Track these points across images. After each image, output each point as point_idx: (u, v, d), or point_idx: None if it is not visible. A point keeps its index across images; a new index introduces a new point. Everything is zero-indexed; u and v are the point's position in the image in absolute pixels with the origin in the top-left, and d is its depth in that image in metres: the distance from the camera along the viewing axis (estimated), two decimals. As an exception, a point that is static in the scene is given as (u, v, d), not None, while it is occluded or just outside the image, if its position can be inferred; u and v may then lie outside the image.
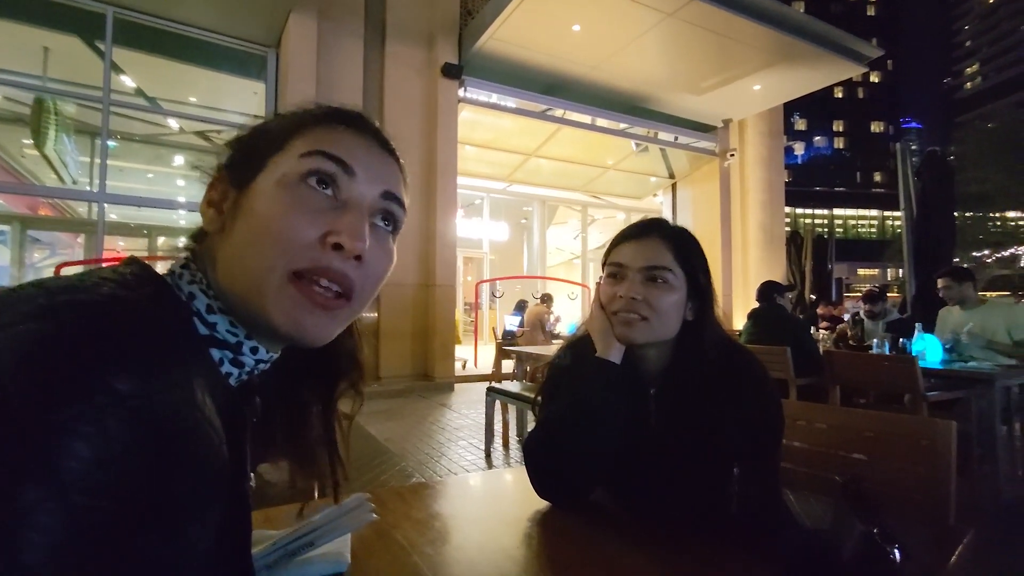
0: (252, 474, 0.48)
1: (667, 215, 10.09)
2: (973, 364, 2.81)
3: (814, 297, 8.83)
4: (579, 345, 0.92)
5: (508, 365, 5.45)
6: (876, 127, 65.10)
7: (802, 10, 9.57)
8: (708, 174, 9.33)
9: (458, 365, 6.83)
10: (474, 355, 7.86)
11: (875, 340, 3.37)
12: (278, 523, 0.68)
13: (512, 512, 0.80)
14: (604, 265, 0.91)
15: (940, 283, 3.27)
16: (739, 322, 6.48)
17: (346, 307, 0.44)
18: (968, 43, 70.55)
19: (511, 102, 7.29)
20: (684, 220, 9.71)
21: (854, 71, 7.39)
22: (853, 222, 63.47)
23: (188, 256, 0.46)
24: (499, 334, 7.00)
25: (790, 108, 11.54)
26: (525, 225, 12.30)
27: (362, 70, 6.18)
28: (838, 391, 2.98)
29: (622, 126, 8.23)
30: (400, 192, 0.49)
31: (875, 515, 0.73)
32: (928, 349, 2.96)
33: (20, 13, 5.49)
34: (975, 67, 69.57)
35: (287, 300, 0.41)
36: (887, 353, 3.16)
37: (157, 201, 8.28)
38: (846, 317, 6.86)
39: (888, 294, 4.79)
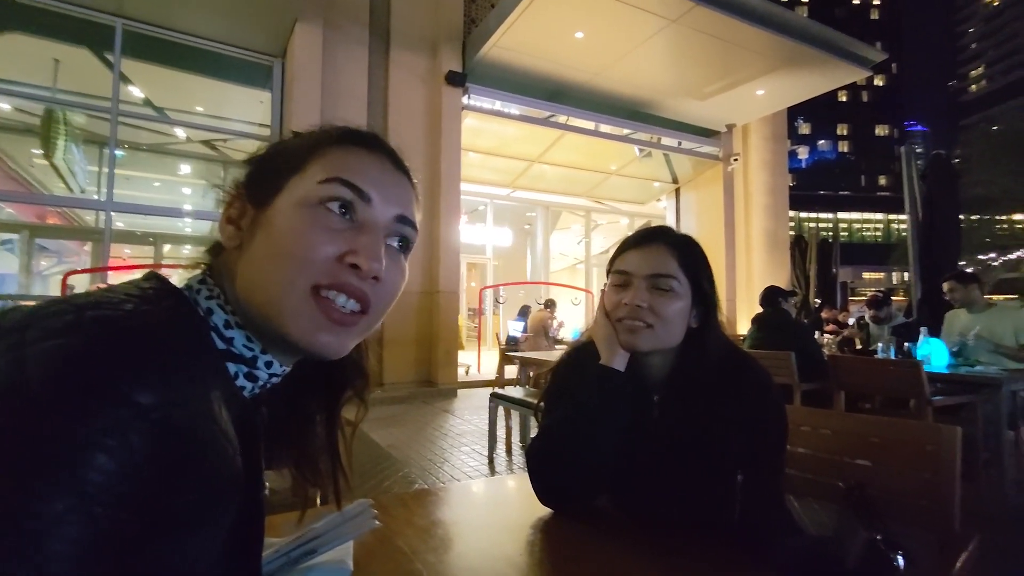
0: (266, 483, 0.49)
1: (671, 220, 10.09)
2: (979, 368, 2.79)
3: (819, 302, 8.80)
4: (583, 352, 0.92)
5: (511, 371, 5.45)
6: (881, 130, 64.95)
7: (805, 15, 9.58)
8: (712, 179, 9.33)
9: (461, 371, 6.83)
10: (477, 361, 7.86)
11: (880, 344, 3.35)
12: (280, 530, 0.68)
13: (515, 519, 0.80)
14: (609, 272, 0.91)
15: (946, 286, 3.25)
16: (743, 327, 6.45)
17: (362, 321, 0.46)
18: (973, 46, 70.40)
19: (515, 109, 7.33)
20: (687, 225, 9.70)
21: (858, 75, 7.38)
22: (858, 226, 63.23)
23: (205, 271, 0.47)
24: (502, 340, 7.01)
25: (794, 112, 11.55)
26: (528, 231, 12.32)
27: (367, 78, 6.23)
28: (843, 396, 2.96)
29: (625, 132, 8.24)
30: (413, 214, 0.52)
31: (879, 521, 0.73)
32: (934, 353, 2.93)
33: (32, 26, 5.58)
34: (980, 70, 69.38)
35: (306, 315, 0.43)
36: (892, 358, 3.14)
37: (163, 209, 8.36)
38: (851, 321, 6.83)
39: (893, 298, 4.76)
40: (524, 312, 7.47)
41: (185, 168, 8.85)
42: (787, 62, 6.88)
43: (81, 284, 4.90)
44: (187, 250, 11.02)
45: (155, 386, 0.32)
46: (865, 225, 63.80)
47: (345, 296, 0.44)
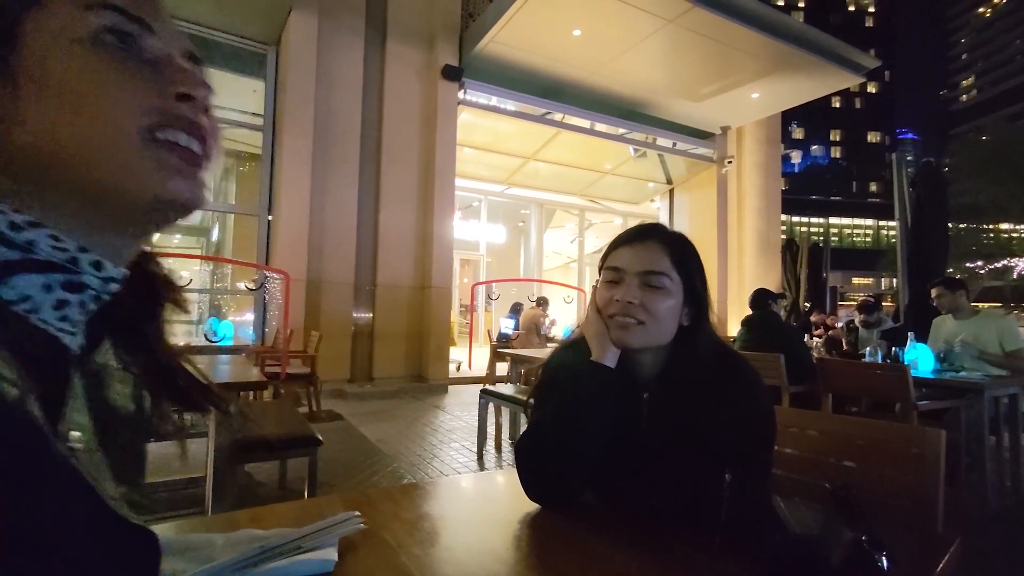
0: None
1: (664, 221, 10.13)
2: (964, 374, 2.83)
3: (808, 305, 8.88)
4: (574, 348, 0.92)
5: (502, 368, 5.45)
6: (873, 137, 65.59)
7: (801, 19, 9.63)
8: (705, 180, 9.38)
9: (452, 367, 6.82)
10: (469, 357, 7.86)
11: (868, 348, 3.39)
12: (266, 522, 0.68)
13: (502, 514, 0.80)
14: (601, 269, 0.91)
15: (933, 292, 3.29)
16: (733, 329, 6.50)
17: (206, 166, 0.39)
18: (964, 56, 71.26)
19: (511, 105, 7.31)
20: (681, 226, 9.74)
21: (852, 81, 7.45)
22: (848, 231, 63.85)
23: None
24: (494, 336, 7.00)
25: (788, 117, 11.62)
26: (522, 228, 12.32)
27: (362, 69, 6.18)
28: (831, 399, 2.99)
29: (621, 131, 8.26)
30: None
31: (864, 522, 0.73)
32: (920, 358, 2.97)
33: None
34: (971, 80, 70.26)
35: (149, 163, 0.35)
36: (880, 362, 3.18)
37: (153, 197, 8.22)
38: (839, 325, 6.90)
39: (882, 303, 4.82)
40: (516, 309, 7.47)
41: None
42: (782, 66, 6.93)
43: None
44: (177, 239, 10.90)
45: None
46: (855, 230, 64.44)
47: (186, 135, 0.37)
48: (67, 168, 0.33)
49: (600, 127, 8.01)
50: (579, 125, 7.86)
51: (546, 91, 7.46)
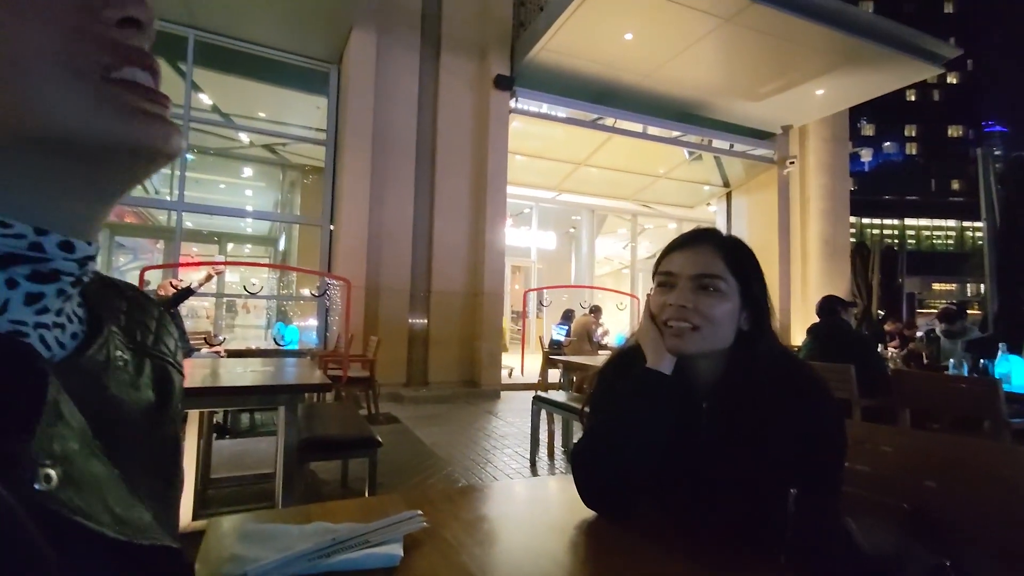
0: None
1: (721, 224, 9.79)
2: (1067, 390, 2.56)
3: (882, 313, 8.30)
4: (629, 355, 0.91)
5: (554, 374, 5.43)
6: (954, 131, 60.65)
7: (871, 10, 9.10)
8: (765, 182, 8.99)
9: (504, 373, 6.87)
10: (521, 363, 7.88)
11: (952, 360, 3.13)
12: (335, 516, 0.72)
13: (559, 519, 0.80)
14: (655, 275, 0.90)
15: None
16: (797, 338, 6.17)
17: (168, 101, 0.32)
18: (1063, 39, 64.62)
19: (561, 112, 7.33)
20: (739, 230, 9.38)
21: (929, 72, 6.94)
22: (927, 233, 59.23)
23: None
24: (546, 343, 7.00)
25: (856, 112, 10.96)
26: (573, 234, 12.26)
27: (417, 83, 6.40)
28: (908, 414, 2.78)
29: (675, 134, 8.08)
30: None
31: (947, 546, 0.69)
32: (1013, 371, 2.72)
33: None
34: (1071, 65, 63.59)
35: (117, 105, 0.28)
36: (965, 375, 2.93)
37: (227, 210, 8.84)
38: (919, 335, 6.41)
39: (967, 311, 4.44)
40: (568, 316, 7.43)
41: (247, 171, 9.35)
42: (849, 60, 6.55)
43: (155, 279, 5.30)
44: (248, 249, 11.64)
45: None
46: (935, 232, 59.69)
47: (141, 71, 0.30)
48: (3, 137, 0.26)
49: (653, 130, 7.87)
50: (631, 129, 7.75)
51: (597, 96, 7.42)
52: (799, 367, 0.84)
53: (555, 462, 3.53)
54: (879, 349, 4.57)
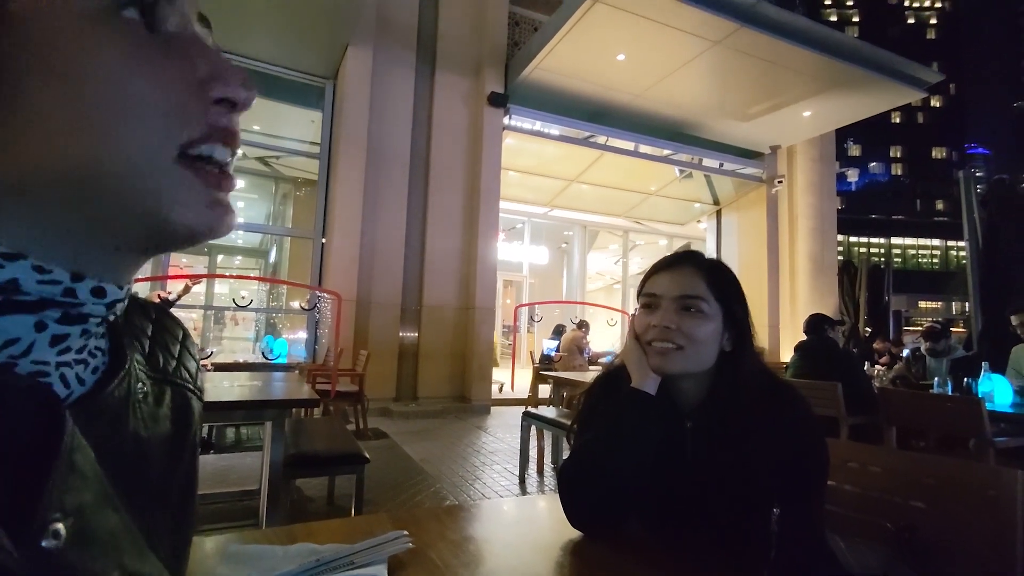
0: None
1: (711, 242, 9.90)
2: (1050, 409, 2.60)
3: (869, 331, 8.40)
4: (615, 375, 0.93)
5: (545, 390, 5.41)
6: (938, 153, 62.11)
7: (856, 35, 9.35)
8: (755, 200, 9.13)
9: (495, 388, 6.83)
10: (511, 379, 7.86)
11: (936, 379, 3.17)
12: (320, 536, 0.71)
13: (546, 539, 0.80)
14: (639, 296, 0.92)
15: (1016, 319, 3.06)
16: (786, 355, 6.22)
17: (234, 184, 0.32)
18: (1040, 66, 66.75)
19: (555, 129, 7.42)
20: (729, 247, 9.48)
21: (912, 96, 7.12)
22: (913, 252, 60.21)
23: None
24: (536, 358, 6.99)
25: (843, 134, 11.19)
26: (565, 250, 12.32)
27: (412, 99, 6.45)
28: (894, 432, 2.81)
29: (666, 152, 8.20)
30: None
31: (932, 566, 0.69)
32: (997, 390, 2.76)
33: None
34: (1049, 91, 65.59)
35: (183, 188, 0.28)
36: (950, 393, 2.97)
37: (218, 221, 8.74)
38: (905, 352, 6.48)
39: (952, 329, 4.50)
40: (559, 331, 7.44)
41: (240, 183, 9.32)
42: (836, 83, 6.72)
43: (143, 291, 5.23)
44: (238, 260, 11.55)
45: None
46: (921, 251, 60.68)
47: (221, 148, 0.30)
48: (77, 189, 0.26)
49: (644, 149, 7.98)
50: (623, 147, 7.86)
51: (590, 115, 7.53)
52: (780, 386, 0.86)
53: (545, 479, 3.50)
54: (867, 367, 4.61)
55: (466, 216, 6.67)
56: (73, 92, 0.25)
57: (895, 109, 8.39)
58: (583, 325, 6.89)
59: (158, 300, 3.87)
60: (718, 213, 9.97)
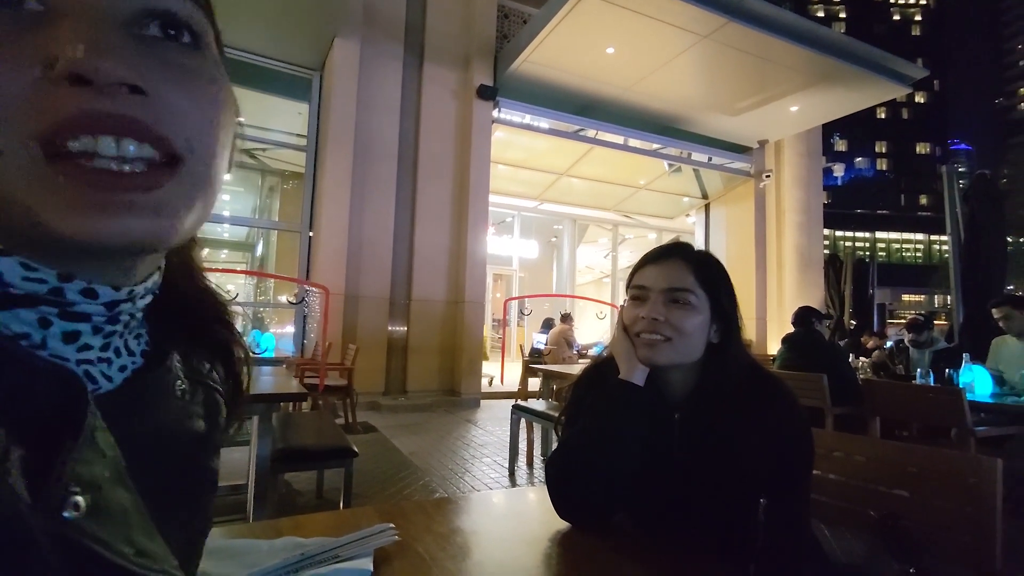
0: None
1: (700, 236, 9.96)
2: (1027, 398, 2.65)
3: (854, 324, 8.51)
4: (603, 367, 0.93)
5: (534, 383, 5.43)
6: (922, 148, 62.98)
7: (843, 31, 9.42)
8: (743, 195, 9.19)
9: (484, 381, 6.83)
10: (501, 372, 7.86)
11: (919, 370, 3.22)
12: (306, 530, 0.70)
13: (534, 531, 0.80)
14: (628, 288, 0.92)
15: (997, 312, 3.10)
16: (773, 347, 6.29)
17: (172, 178, 0.27)
18: (1022, 63, 67.84)
19: (544, 123, 7.39)
20: (717, 241, 9.55)
21: (897, 92, 7.20)
22: (897, 246, 61.13)
23: None
24: (526, 352, 6.99)
25: (830, 128, 11.30)
26: (555, 243, 12.33)
27: (400, 91, 6.38)
28: (878, 423, 2.85)
29: (655, 146, 8.21)
30: None
31: (915, 554, 0.70)
32: (977, 381, 2.81)
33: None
34: (1029, 87, 66.74)
35: (49, 192, 0.24)
36: (932, 384, 3.02)
37: (203, 214, 8.61)
38: (889, 344, 6.59)
39: (935, 322, 4.58)
40: (548, 324, 7.45)
41: (225, 176, 9.18)
42: (823, 78, 6.76)
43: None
44: (224, 254, 11.40)
45: None
46: (905, 245, 61.66)
47: (110, 137, 0.25)
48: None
49: (634, 143, 7.98)
50: (613, 141, 7.85)
51: (580, 108, 7.51)
52: (766, 378, 0.86)
53: (534, 471, 3.51)
54: (851, 359, 4.68)
55: (455, 210, 6.64)
56: None
57: (880, 104, 8.49)
58: (567, 318, 6.91)
59: None
60: (707, 207, 10.03)
